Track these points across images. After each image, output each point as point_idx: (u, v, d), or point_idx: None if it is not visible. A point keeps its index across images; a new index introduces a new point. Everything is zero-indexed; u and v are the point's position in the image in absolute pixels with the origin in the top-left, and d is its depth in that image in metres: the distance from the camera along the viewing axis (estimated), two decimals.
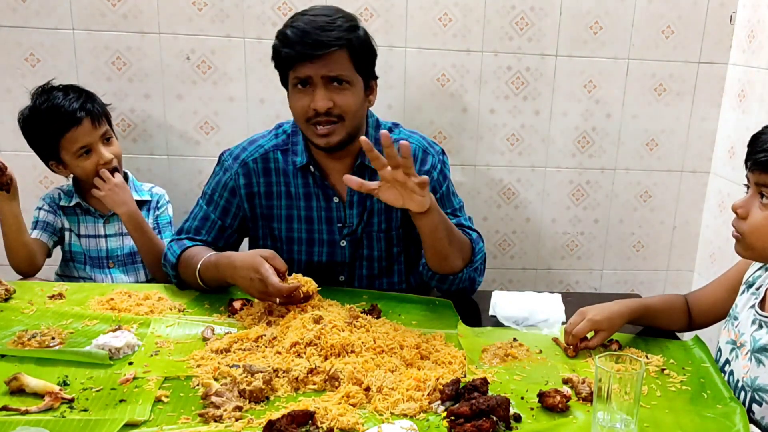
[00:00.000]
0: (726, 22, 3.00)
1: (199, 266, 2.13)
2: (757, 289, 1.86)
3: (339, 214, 2.29)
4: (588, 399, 1.65)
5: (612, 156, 3.16)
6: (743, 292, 1.91)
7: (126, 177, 2.64)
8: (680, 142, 3.15)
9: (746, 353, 1.78)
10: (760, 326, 1.78)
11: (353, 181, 1.95)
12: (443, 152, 2.38)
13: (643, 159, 3.17)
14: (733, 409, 1.65)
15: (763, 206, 1.70)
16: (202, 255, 2.15)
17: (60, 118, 2.42)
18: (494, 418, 1.51)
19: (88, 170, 2.48)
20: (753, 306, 1.83)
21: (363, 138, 1.88)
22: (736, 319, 1.88)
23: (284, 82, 2.18)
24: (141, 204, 2.62)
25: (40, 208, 2.57)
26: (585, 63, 3.01)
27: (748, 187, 1.77)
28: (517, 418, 1.57)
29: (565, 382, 1.74)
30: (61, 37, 2.76)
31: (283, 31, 2.08)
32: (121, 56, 2.81)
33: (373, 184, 1.96)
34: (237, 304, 2.06)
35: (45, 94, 2.47)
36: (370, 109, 2.29)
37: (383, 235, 2.33)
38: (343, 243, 2.32)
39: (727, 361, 1.86)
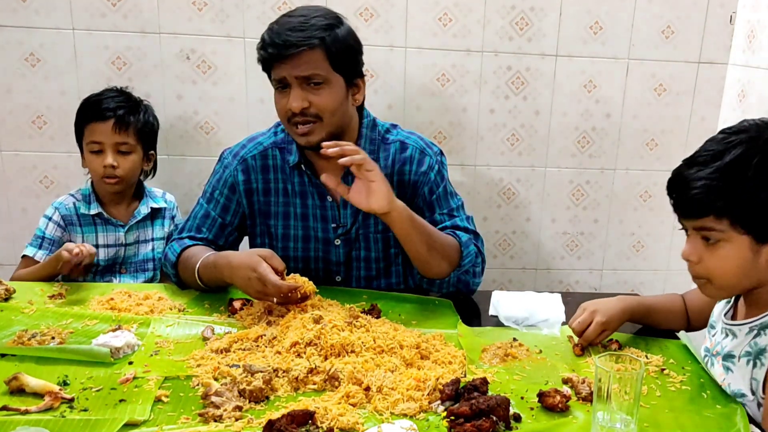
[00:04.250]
0: (726, 22, 3.00)
1: (197, 266, 2.13)
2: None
3: (333, 213, 2.30)
4: (588, 399, 1.65)
5: (612, 156, 3.16)
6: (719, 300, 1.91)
7: (142, 187, 2.65)
8: (680, 142, 3.15)
9: (720, 362, 1.78)
10: (726, 335, 1.78)
11: (331, 180, 2.02)
12: (441, 153, 2.39)
13: (643, 159, 3.17)
14: (733, 409, 1.65)
15: (711, 247, 1.67)
16: (201, 255, 2.16)
17: (92, 109, 2.49)
18: (494, 418, 1.51)
19: (94, 168, 2.50)
20: (725, 314, 1.83)
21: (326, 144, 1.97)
22: (713, 327, 1.88)
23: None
24: (156, 212, 2.64)
25: (49, 219, 2.53)
26: (585, 63, 3.01)
27: (685, 229, 1.75)
28: (517, 418, 1.57)
29: (565, 382, 1.74)
30: (61, 37, 2.76)
31: (263, 34, 2.13)
32: (121, 56, 2.81)
33: (345, 188, 2.04)
34: (237, 304, 2.06)
35: (107, 90, 2.58)
36: (367, 108, 2.31)
37: (380, 236, 2.34)
38: (338, 242, 2.32)
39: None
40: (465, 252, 2.24)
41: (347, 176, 2.25)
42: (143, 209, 2.61)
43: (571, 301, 2.24)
